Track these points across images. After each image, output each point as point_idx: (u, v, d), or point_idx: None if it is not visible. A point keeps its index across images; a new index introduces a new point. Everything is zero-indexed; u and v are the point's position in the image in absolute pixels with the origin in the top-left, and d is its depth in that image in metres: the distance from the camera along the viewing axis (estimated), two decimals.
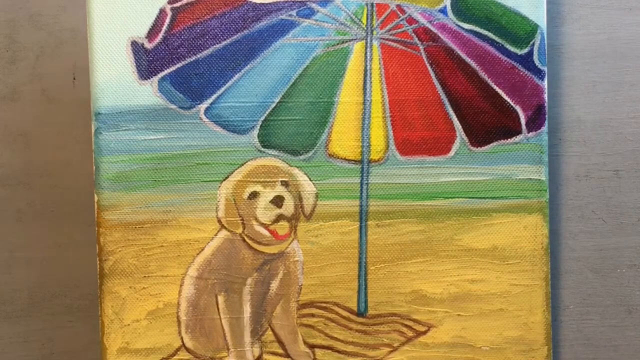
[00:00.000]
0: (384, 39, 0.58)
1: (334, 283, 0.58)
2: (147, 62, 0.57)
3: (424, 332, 0.58)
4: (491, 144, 0.58)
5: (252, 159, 0.57)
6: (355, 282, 0.58)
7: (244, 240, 0.57)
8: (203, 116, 0.57)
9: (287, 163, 0.58)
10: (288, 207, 0.57)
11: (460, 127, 0.58)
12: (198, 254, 0.57)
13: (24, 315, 0.63)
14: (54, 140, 0.63)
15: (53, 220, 0.63)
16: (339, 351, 0.58)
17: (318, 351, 0.58)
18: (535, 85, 0.58)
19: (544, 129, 0.58)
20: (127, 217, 0.57)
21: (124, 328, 0.57)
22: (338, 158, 0.58)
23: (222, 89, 0.57)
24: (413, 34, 0.58)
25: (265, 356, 0.57)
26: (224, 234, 0.57)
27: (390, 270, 0.58)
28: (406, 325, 0.58)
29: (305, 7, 0.57)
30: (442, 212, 0.58)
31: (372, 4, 0.58)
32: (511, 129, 0.58)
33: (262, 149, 0.57)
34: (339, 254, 0.58)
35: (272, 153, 0.57)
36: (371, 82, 0.58)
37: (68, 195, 0.63)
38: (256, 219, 0.57)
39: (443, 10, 0.58)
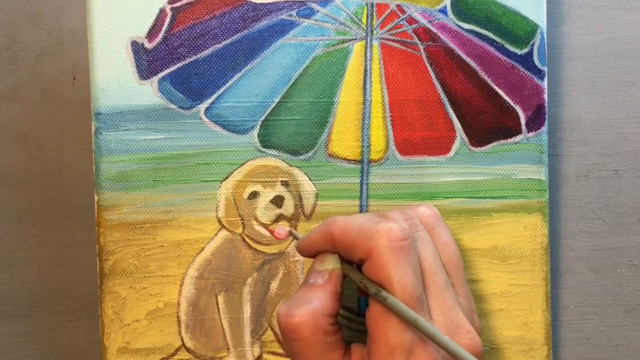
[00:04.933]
0: (384, 39, 0.58)
1: None
2: (147, 62, 0.57)
3: None
4: (491, 144, 0.58)
5: (252, 159, 0.57)
6: None
7: (244, 240, 0.57)
8: (203, 116, 0.57)
9: (287, 163, 0.58)
10: (288, 207, 0.57)
11: (460, 127, 0.58)
12: (198, 254, 0.57)
13: (24, 315, 0.63)
14: (54, 140, 0.63)
15: (53, 220, 0.63)
16: None
17: None
18: (535, 85, 0.58)
19: (544, 129, 0.58)
20: (127, 217, 0.57)
21: (124, 328, 0.57)
22: (338, 158, 0.58)
23: (222, 89, 0.57)
24: (413, 34, 0.58)
25: (265, 356, 0.57)
26: (224, 234, 0.57)
27: None
28: None
29: (305, 7, 0.57)
30: (442, 212, 0.57)
31: (372, 4, 0.58)
32: (511, 129, 0.58)
33: (262, 149, 0.57)
34: None
35: (272, 153, 0.57)
36: (371, 82, 0.58)
37: (68, 195, 0.63)
38: (256, 219, 0.57)
39: (443, 10, 0.58)
